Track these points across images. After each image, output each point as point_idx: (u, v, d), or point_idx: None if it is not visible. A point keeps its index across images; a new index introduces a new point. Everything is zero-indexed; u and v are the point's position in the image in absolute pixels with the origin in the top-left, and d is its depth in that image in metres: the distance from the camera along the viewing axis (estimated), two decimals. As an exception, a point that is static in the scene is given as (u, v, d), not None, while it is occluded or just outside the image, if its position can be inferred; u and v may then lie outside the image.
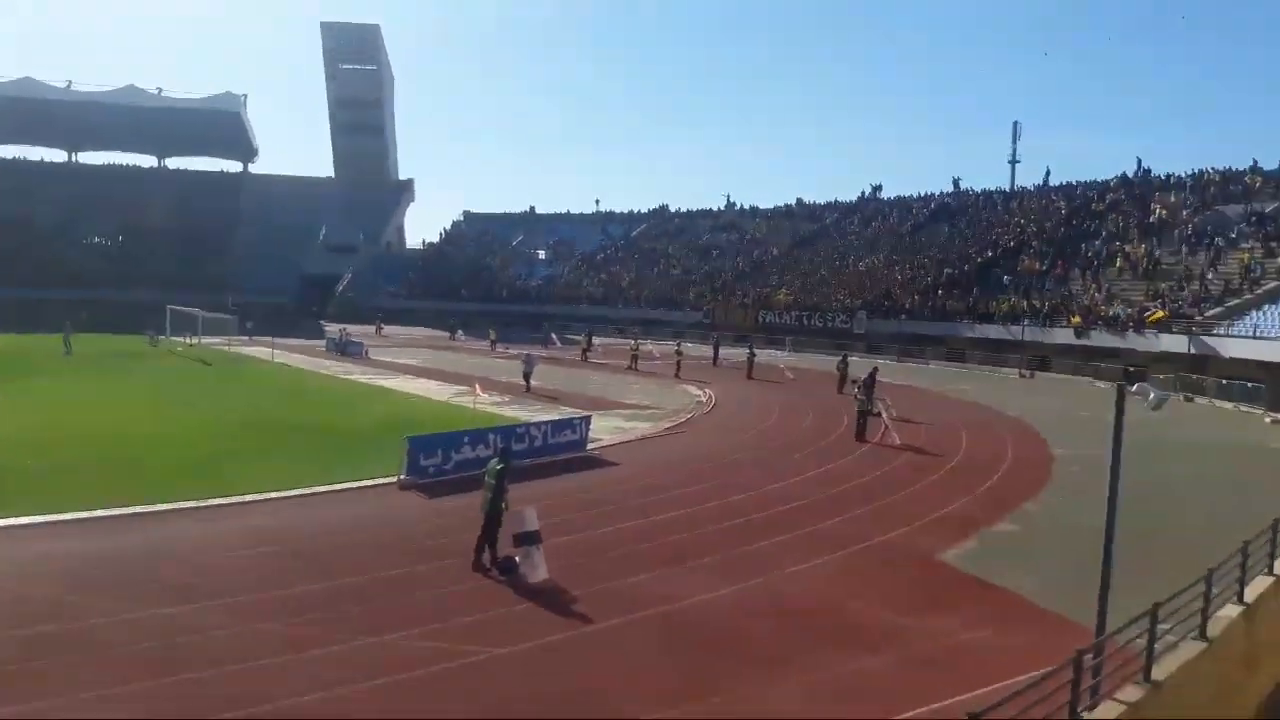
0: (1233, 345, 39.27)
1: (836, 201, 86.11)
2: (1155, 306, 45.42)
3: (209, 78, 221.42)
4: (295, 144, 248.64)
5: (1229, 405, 35.64)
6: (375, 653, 10.67)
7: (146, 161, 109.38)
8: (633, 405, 33.67)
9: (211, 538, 15.17)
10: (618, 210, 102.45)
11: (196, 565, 13.60)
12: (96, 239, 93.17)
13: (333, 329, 65.97)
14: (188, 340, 58.96)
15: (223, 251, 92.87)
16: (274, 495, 18.16)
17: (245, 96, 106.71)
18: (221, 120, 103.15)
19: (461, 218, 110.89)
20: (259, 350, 54.44)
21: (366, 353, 53.57)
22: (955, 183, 78.29)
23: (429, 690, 9.86)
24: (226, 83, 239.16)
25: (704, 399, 36.03)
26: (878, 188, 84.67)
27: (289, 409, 30.46)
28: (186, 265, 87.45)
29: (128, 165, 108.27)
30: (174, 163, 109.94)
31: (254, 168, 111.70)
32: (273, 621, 11.46)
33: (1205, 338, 41.14)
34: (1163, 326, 43.53)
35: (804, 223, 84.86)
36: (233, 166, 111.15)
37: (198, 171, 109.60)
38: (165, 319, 60.30)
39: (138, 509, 16.70)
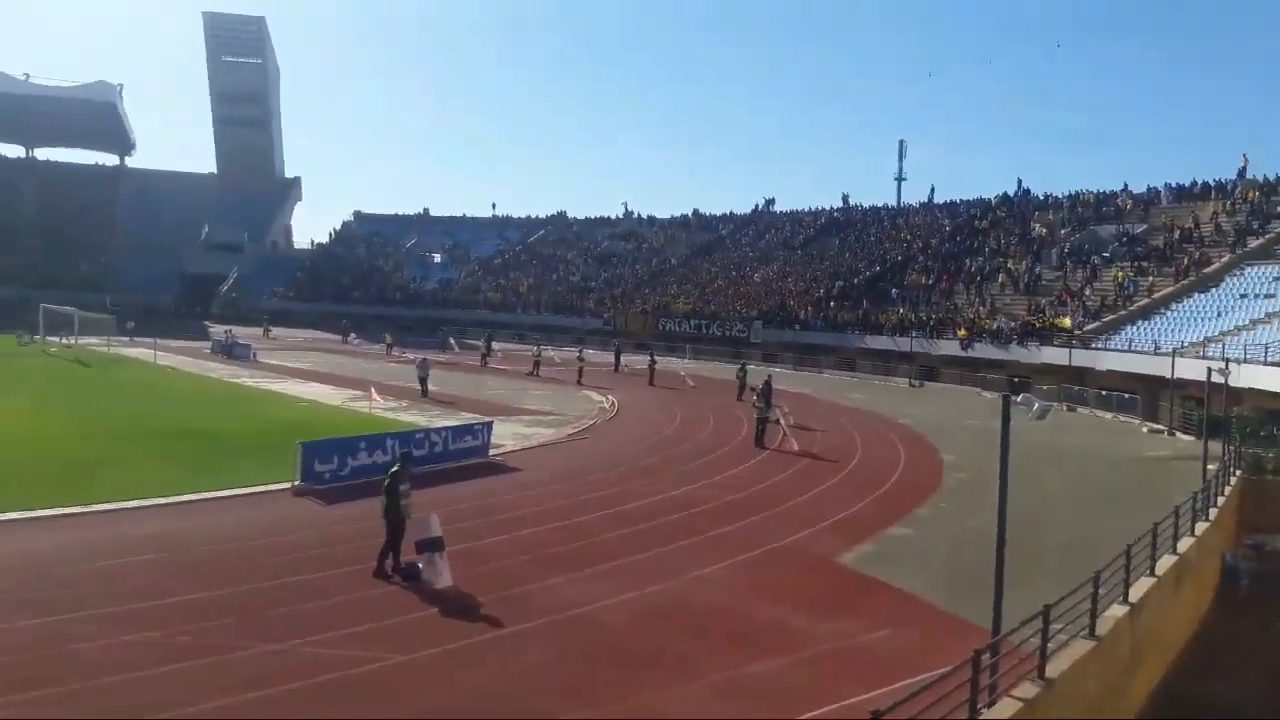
0: (1109, 359, 41.31)
1: (732, 214, 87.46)
2: (1055, 315, 47.56)
3: (82, 65, 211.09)
4: (176, 138, 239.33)
5: (1108, 415, 37.48)
6: (267, 661, 10.27)
7: (13, 152, 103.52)
8: (534, 411, 33.42)
9: (89, 546, 14.39)
10: (515, 215, 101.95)
11: (70, 575, 12.89)
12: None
13: (218, 330, 63.74)
14: (62, 340, 55.97)
15: (98, 248, 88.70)
16: (159, 501, 17.40)
17: (121, 86, 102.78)
18: (96, 110, 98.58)
19: (352, 218, 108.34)
20: (140, 352, 52.14)
21: (254, 355, 51.89)
22: (844, 198, 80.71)
23: (324, 699, 9.53)
24: (101, 72, 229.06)
25: (606, 405, 36.02)
26: (770, 201, 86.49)
27: (174, 413, 29.20)
28: (58, 262, 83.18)
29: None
30: (44, 154, 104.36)
31: (131, 161, 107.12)
32: (153, 631, 10.91)
33: (1084, 350, 43.16)
34: (1044, 338, 45.47)
35: (700, 233, 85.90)
36: (108, 160, 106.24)
37: (70, 164, 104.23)
38: (39, 318, 57.10)
39: (13, 515, 15.75)
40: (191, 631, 10.96)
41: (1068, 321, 45.29)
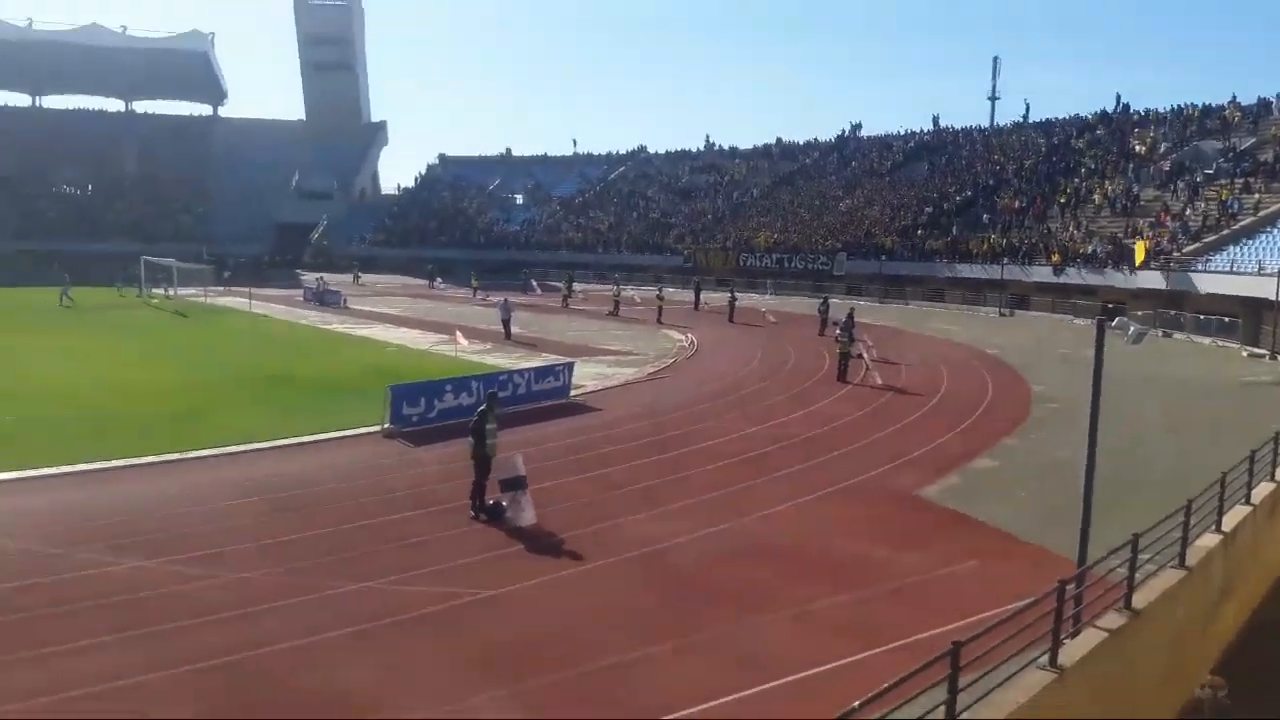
0: (1209, 281, 39.52)
1: (816, 140, 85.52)
2: (1136, 240, 45.49)
3: (174, 14, 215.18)
4: (265, 85, 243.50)
5: (1206, 340, 36.00)
6: (362, 599, 10.72)
7: (113, 106, 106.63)
8: (615, 351, 33.66)
9: (192, 490, 15.13)
10: (595, 152, 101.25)
11: (176, 518, 13.58)
12: (66, 187, 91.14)
13: (310, 278, 65.40)
14: (164, 291, 58.26)
15: (195, 199, 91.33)
16: (256, 446, 18.12)
17: (213, 35, 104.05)
18: (189, 61, 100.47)
19: (437, 161, 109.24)
20: (236, 301, 53.98)
21: (345, 302, 53.23)
22: (935, 120, 77.93)
23: (415, 633, 9.93)
24: (193, 20, 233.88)
25: (686, 344, 36.05)
26: (857, 126, 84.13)
27: (269, 360, 30.27)
28: (158, 215, 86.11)
29: (94, 110, 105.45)
30: (141, 106, 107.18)
31: (224, 111, 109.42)
32: (254, 571, 11.47)
33: (1182, 274, 41.38)
34: (1142, 264, 43.71)
35: (783, 162, 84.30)
36: (202, 110, 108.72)
37: (167, 116, 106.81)
38: (140, 270, 59.53)
39: (116, 463, 16.63)
40: (288, 571, 11.50)
41: (1142, 248, 43.12)
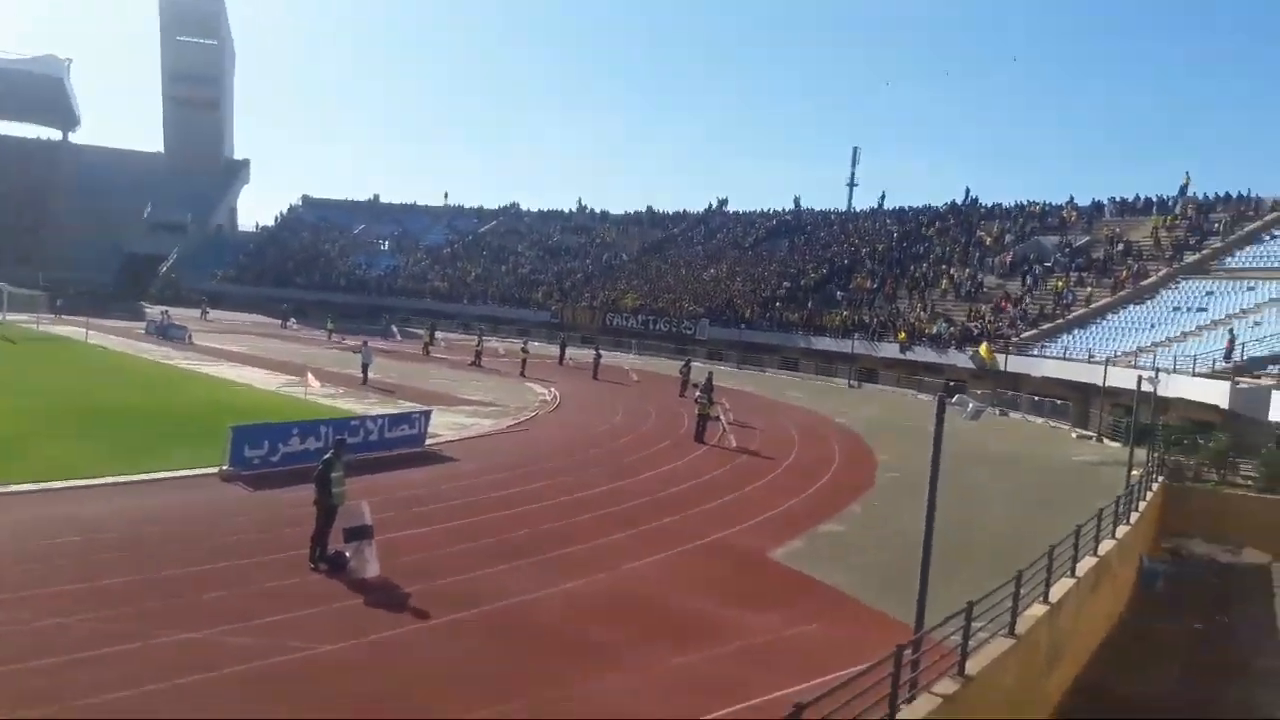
0: (1044, 365, 42.19)
1: (685, 212, 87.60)
2: (978, 338, 47.96)
3: (34, 37, 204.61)
4: (122, 115, 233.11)
5: (1039, 420, 38.28)
6: (188, 649, 10.03)
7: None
8: (475, 401, 33.15)
9: (6, 528, 13.94)
10: (467, 205, 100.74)
11: (-15, 556, 12.46)
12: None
13: (154, 311, 62.21)
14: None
15: (36, 224, 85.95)
16: (82, 483, 16.90)
17: (70, 61, 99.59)
18: (41, 84, 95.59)
19: (300, 202, 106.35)
20: (71, 330, 50.72)
21: (190, 338, 50.76)
22: (796, 201, 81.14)
23: (245, 688, 9.33)
24: (53, 43, 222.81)
25: (548, 397, 35.87)
26: (724, 201, 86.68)
27: (101, 392, 28.46)
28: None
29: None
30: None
31: (75, 138, 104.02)
32: (71, 616, 10.59)
33: (1020, 357, 44.03)
34: (974, 355, 46.26)
35: (653, 230, 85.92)
36: (52, 134, 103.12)
37: (10, 137, 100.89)
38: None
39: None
40: (108, 618, 10.67)
41: (987, 351, 45.56)
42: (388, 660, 10.39)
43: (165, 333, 51.30)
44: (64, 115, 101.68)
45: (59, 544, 13.31)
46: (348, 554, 13.06)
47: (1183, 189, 56.04)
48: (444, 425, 26.20)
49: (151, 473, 18.03)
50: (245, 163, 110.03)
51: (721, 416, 29.49)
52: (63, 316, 57.64)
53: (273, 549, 13.81)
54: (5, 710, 8.31)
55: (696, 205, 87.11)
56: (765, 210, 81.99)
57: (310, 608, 11.64)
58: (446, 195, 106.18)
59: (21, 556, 12.60)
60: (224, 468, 18.46)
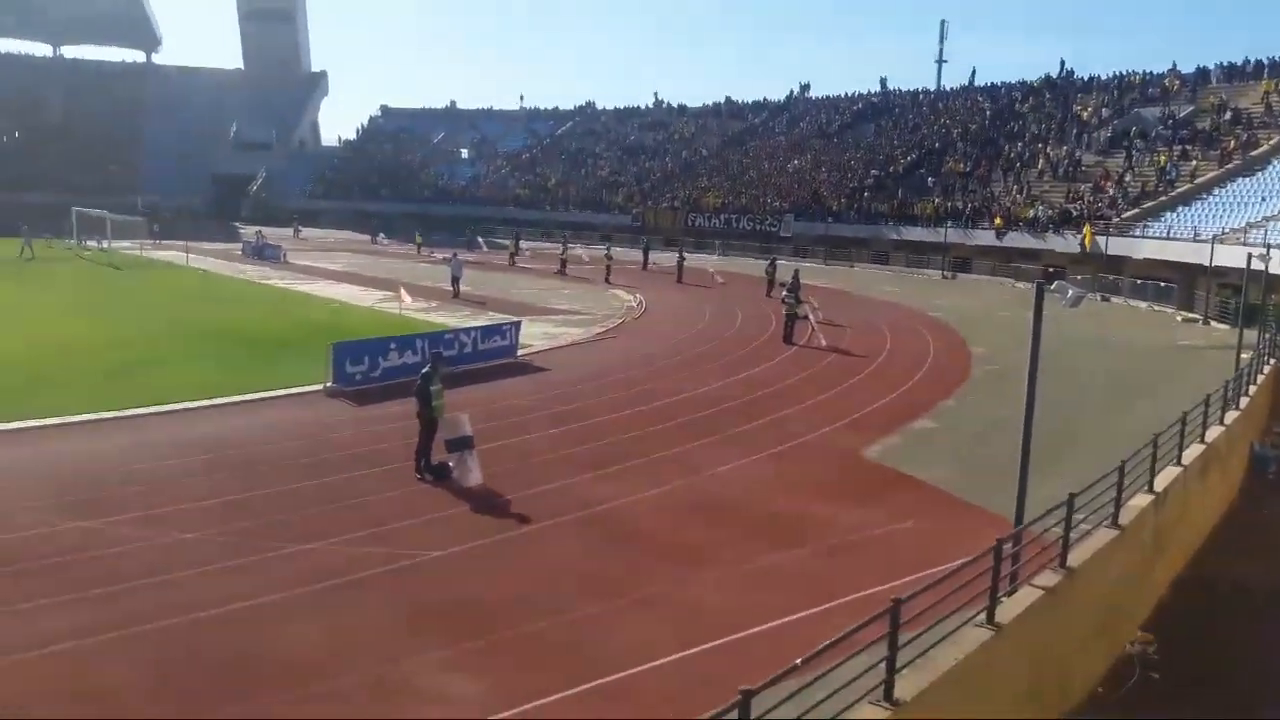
0: (1147, 246, 40.41)
1: (765, 100, 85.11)
2: (1077, 220, 45.97)
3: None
4: (201, 33, 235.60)
5: (1143, 305, 36.91)
6: (305, 560, 10.61)
7: (40, 50, 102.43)
8: (562, 310, 33.49)
9: (130, 449, 14.80)
10: (542, 107, 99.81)
11: (114, 478, 13.28)
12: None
13: (248, 232, 63.91)
14: (96, 244, 56.36)
15: (128, 150, 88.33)
16: (195, 404, 17.74)
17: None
18: (121, 5, 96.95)
19: (379, 113, 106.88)
20: (172, 255, 52.55)
21: (285, 257, 52.16)
22: (882, 82, 78.04)
23: (361, 594, 9.86)
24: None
25: (634, 304, 35.99)
26: (806, 87, 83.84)
27: (207, 315, 29.57)
28: (87, 165, 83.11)
29: (20, 54, 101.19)
30: (70, 52, 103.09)
31: (157, 58, 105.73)
32: (196, 532, 11.28)
33: (1121, 239, 42.24)
34: (1081, 226, 44.47)
35: (732, 121, 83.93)
36: (134, 56, 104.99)
37: (97, 62, 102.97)
38: (71, 221, 57.58)
39: (50, 421, 16.16)
40: (229, 532, 11.32)
41: (1089, 233, 43.65)
42: (497, 563, 10.85)
43: (261, 253, 52.77)
44: (145, 36, 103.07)
45: (180, 464, 14.08)
46: (451, 464, 13.52)
47: (1298, 47, 52.09)
48: (534, 335, 26.59)
49: (261, 392, 18.80)
50: (323, 74, 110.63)
51: (810, 315, 29.21)
52: (161, 242, 59.60)
53: (380, 461, 14.38)
54: (130, 623, 8.91)
55: (777, 93, 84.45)
56: (850, 94, 79.07)
57: (419, 516, 12.15)
58: (522, 98, 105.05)
59: (145, 476, 13.37)
60: (328, 384, 19.14)
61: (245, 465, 14.10)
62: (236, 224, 75.68)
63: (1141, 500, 11.94)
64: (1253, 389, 19.40)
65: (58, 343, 23.83)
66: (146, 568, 10.18)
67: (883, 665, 6.86)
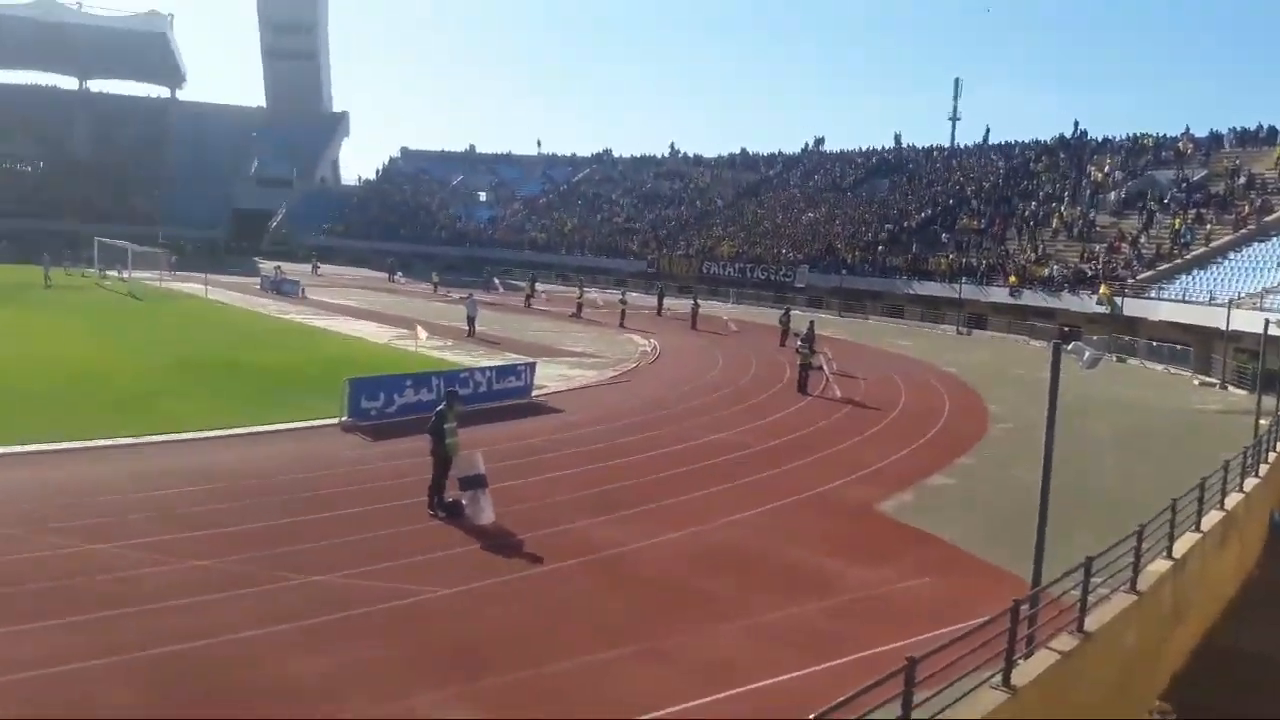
0: (1162, 309, 40.38)
1: (780, 153, 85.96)
2: (1092, 280, 46.05)
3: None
4: (225, 70, 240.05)
5: (1159, 367, 36.79)
6: (314, 592, 10.56)
7: (67, 83, 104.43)
8: (577, 353, 33.57)
9: (143, 476, 14.83)
10: (560, 153, 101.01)
11: (125, 503, 13.31)
12: (16, 164, 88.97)
13: (267, 266, 64.51)
14: (116, 273, 56.94)
15: (150, 182, 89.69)
16: (211, 434, 17.83)
17: (172, 17, 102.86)
18: (147, 41, 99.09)
19: (399, 154, 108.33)
20: (191, 286, 53.03)
21: (303, 292, 52.57)
22: (897, 138, 78.73)
23: (366, 629, 9.81)
24: (152, 1, 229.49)
25: (648, 349, 36.06)
26: (820, 140, 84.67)
27: (224, 347, 29.78)
28: (112, 195, 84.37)
29: (47, 86, 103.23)
30: (96, 85, 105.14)
31: (181, 94, 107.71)
32: (205, 560, 11.26)
33: (1137, 300, 42.23)
34: (1096, 286, 44.52)
35: (747, 173, 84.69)
36: (159, 91, 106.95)
37: (122, 96, 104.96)
38: (94, 251, 58.24)
39: (67, 445, 16.25)
40: (240, 561, 11.29)
41: (1107, 292, 43.83)
42: (504, 603, 10.77)
43: (279, 288, 53.21)
44: (170, 72, 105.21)
45: (192, 492, 14.09)
46: (464, 502, 13.50)
47: (1312, 115, 52.37)
48: (548, 376, 26.64)
49: (277, 424, 18.88)
50: (344, 115, 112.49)
51: (824, 366, 29.19)
52: (179, 273, 60.15)
53: (393, 496, 14.36)
54: (132, 649, 8.87)
55: (792, 146, 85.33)
56: (864, 148, 79.74)
57: (430, 553, 12.11)
58: (540, 143, 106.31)
59: (154, 503, 13.39)
60: (344, 419, 19.20)
61: (255, 496, 14.09)
62: (256, 258, 76.39)
63: (1160, 566, 11.79)
64: (1272, 455, 19.24)
65: (72, 369, 23.98)
66: (150, 594, 10.16)
67: (898, 723, 6.75)
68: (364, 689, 8.53)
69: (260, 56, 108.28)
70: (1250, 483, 16.63)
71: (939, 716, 7.22)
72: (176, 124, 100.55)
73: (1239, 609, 15.71)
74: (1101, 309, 43.35)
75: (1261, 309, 31.80)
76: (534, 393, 23.88)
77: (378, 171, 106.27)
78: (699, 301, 48.48)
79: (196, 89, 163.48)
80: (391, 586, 10.84)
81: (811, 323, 31.46)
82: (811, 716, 5.76)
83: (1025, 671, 8.60)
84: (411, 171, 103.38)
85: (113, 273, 57.44)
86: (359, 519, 13.29)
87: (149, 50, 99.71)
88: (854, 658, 9.66)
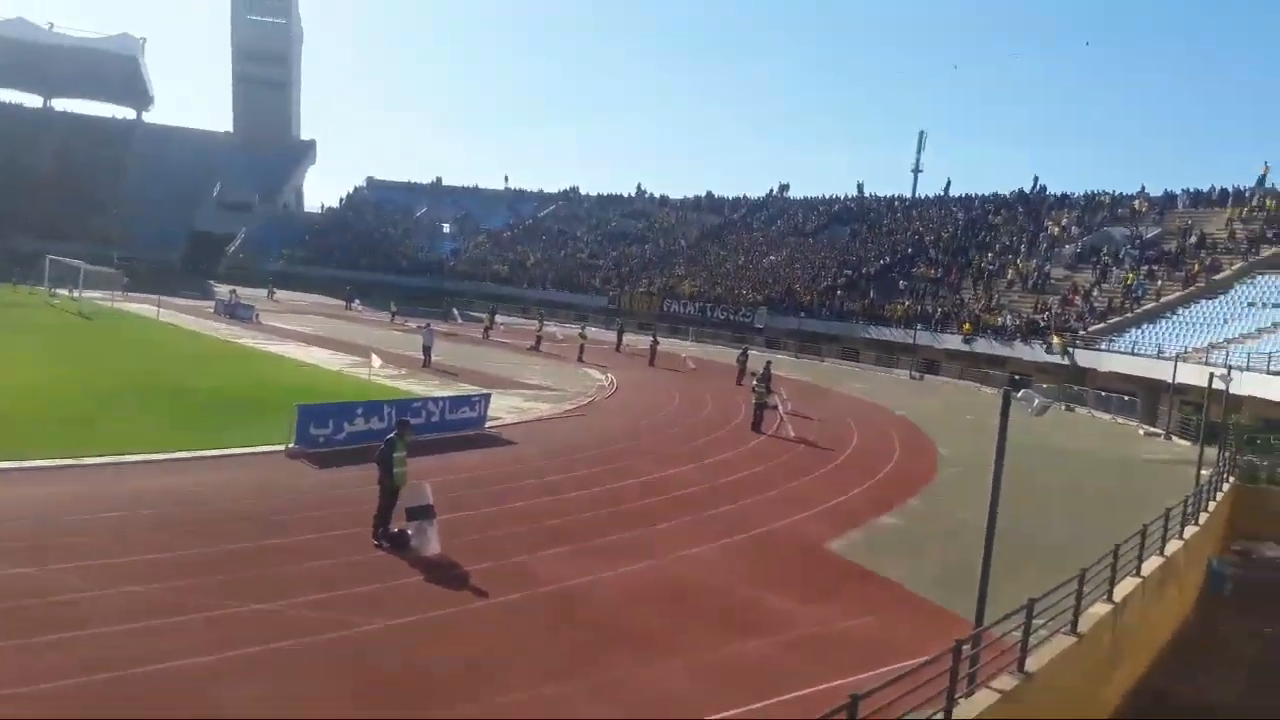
0: (1112, 360, 41.23)
1: (745, 197, 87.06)
2: (1050, 329, 46.97)
3: (105, 16, 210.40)
4: (193, 92, 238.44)
5: (1106, 417, 37.48)
6: (252, 621, 10.32)
7: (31, 101, 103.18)
8: (534, 386, 33.46)
9: (82, 498, 14.46)
10: (528, 189, 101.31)
11: (63, 526, 12.94)
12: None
13: (223, 290, 63.75)
14: (67, 293, 55.91)
15: (109, 203, 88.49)
16: (153, 457, 17.41)
17: (144, 40, 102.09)
18: (117, 63, 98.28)
19: (364, 184, 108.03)
20: (143, 308, 52.18)
21: (257, 317, 51.98)
22: (859, 187, 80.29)
23: (307, 659, 9.59)
24: (125, 22, 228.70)
25: (605, 383, 36.05)
26: (785, 186, 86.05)
27: (173, 369, 29.28)
28: (71, 214, 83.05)
29: (11, 103, 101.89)
30: (61, 104, 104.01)
31: (148, 117, 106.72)
32: (144, 585, 10.96)
33: (1087, 351, 43.09)
34: (1048, 345, 45.41)
35: (711, 215, 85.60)
36: (125, 113, 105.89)
37: (87, 116, 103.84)
38: (44, 268, 57.18)
39: (5, 465, 15.78)
40: (178, 588, 11.01)
41: (1060, 342, 44.83)
42: (447, 636, 10.60)
43: (234, 312, 52.58)
44: (138, 95, 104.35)
45: (131, 515, 13.75)
46: (410, 532, 13.30)
47: (1260, 179, 54.22)
48: (504, 408, 26.50)
49: (221, 449, 18.53)
50: (312, 143, 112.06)
51: (779, 406, 29.37)
52: (130, 294, 59.19)
53: (337, 525, 14.12)
54: (66, 676, 8.60)
55: (757, 190, 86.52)
56: (827, 196, 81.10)
57: (373, 583, 11.89)
58: (507, 179, 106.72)
59: (94, 526, 13.04)
60: (290, 445, 18.89)
61: (198, 522, 13.78)
62: (212, 281, 75.46)
63: (1100, 609, 11.93)
64: (1212, 505, 19.64)
65: (14, 387, 23.40)
66: (86, 618, 9.87)
67: (838, 760, 6.72)
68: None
69: (230, 82, 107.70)
70: (1190, 530, 16.96)
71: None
72: (141, 146, 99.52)
73: (1175, 653, 15.93)
74: (1054, 357, 44.20)
75: (1207, 364, 32.61)
76: (488, 424, 23.72)
77: (342, 200, 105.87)
78: (658, 338, 48.69)
79: (164, 112, 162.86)
80: (335, 617, 10.63)
81: (768, 363, 31.67)
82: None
83: (966, 710, 8.64)
84: (376, 201, 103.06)
85: (63, 291, 56.38)
86: (302, 547, 13.05)
87: (118, 72, 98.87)
88: (798, 694, 9.67)
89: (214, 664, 9.19)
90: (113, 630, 9.69)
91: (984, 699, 9.02)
